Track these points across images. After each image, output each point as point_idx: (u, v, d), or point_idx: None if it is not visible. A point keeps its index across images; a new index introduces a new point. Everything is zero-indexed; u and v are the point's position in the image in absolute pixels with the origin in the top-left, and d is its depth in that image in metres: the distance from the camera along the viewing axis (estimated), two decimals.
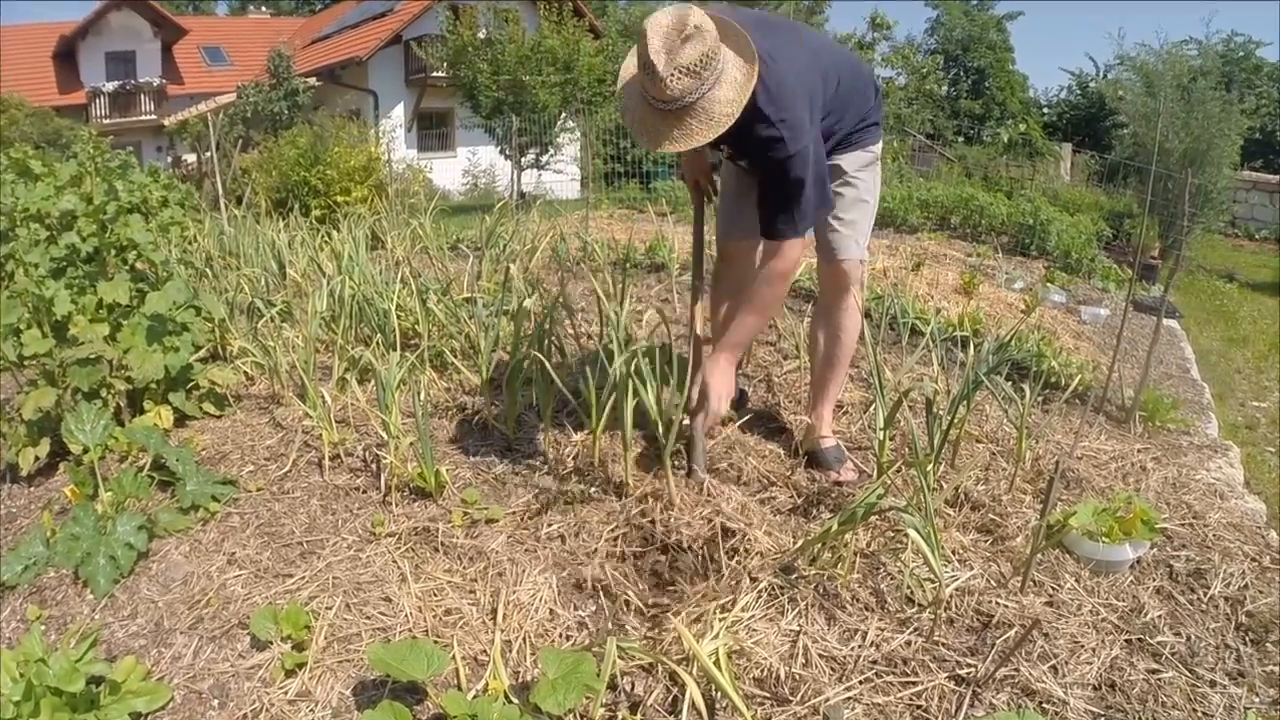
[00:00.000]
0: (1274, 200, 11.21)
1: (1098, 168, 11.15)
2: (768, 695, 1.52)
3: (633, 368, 2.09)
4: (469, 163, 17.61)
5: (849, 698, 1.51)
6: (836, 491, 2.16)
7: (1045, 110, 23.57)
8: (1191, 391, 3.77)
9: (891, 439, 2.21)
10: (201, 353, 2.67)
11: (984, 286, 4.80)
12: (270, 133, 12.33)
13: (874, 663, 1.58)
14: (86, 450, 2.13)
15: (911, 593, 1.76)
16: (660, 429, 2.04)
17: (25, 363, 2.30)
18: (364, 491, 2.22)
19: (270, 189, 7.79)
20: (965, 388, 2.18)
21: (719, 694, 1.47)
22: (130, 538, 1.90)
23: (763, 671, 1.56)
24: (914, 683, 1.53)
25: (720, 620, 1.64)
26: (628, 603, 1.78)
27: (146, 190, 2.86)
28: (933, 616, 1.68)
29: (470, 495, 2.13)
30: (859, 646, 1.62)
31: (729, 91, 1.76)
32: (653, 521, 1.95)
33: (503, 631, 1.68)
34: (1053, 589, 1.80)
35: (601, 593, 1.81)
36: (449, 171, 16.66)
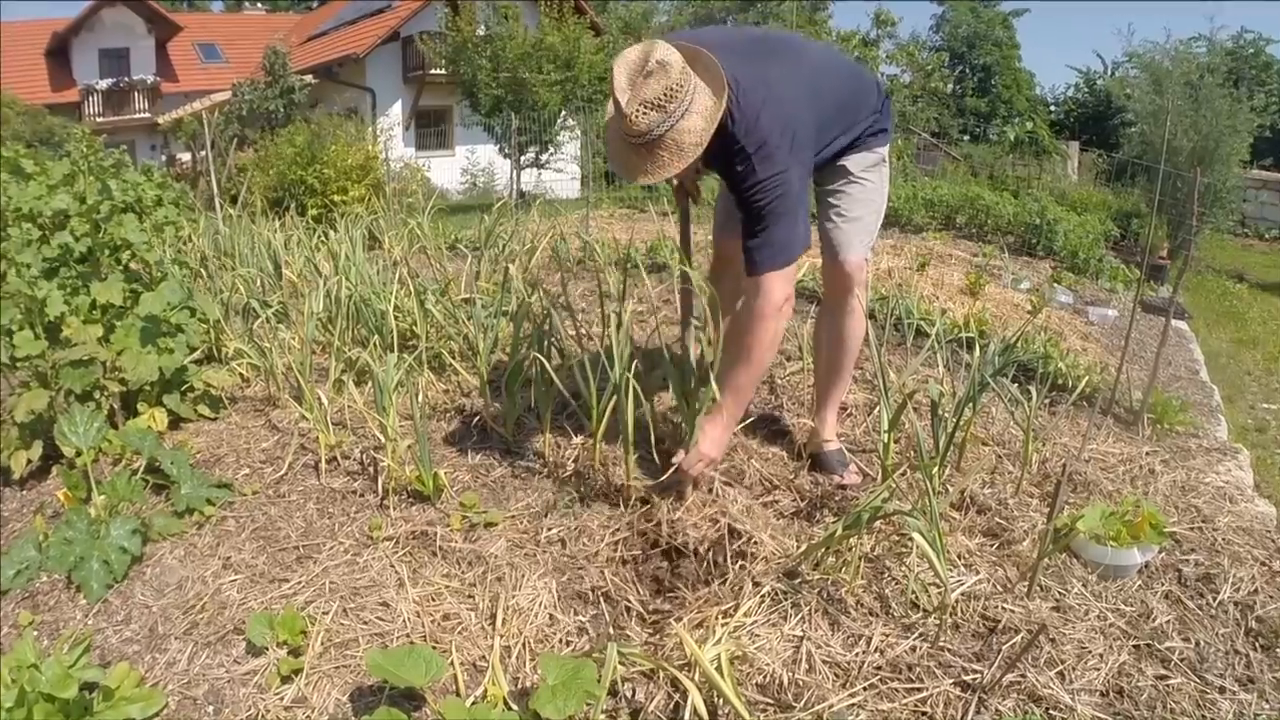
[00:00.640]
0: None
1: (1105, 166, 11.14)
2: (771, 701, 1.50)
3: (633, 371, 2.06)
4: (468, 161, 17.57)
5: (853, 704, 1.49)
6: (840, 495, 2.14)
7: (1052, 108, 23.57)
8: (1200, 394, 3.75)
9: (896, 442, 2.19)
10: (196, 354, 2.64)
11: (990, 287, 4.78)
12: (266, 131, 12.30)
13: (878, 669, 1.56)
14: (79, 453, 2.11)
15: (916, 598, 1.74)
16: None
17: (18, 364, 2.27)
18: (361, 495, 2.20)
19: (266, 188, 7.77)
20: (971, 390, 2.16)
21: (721, 700, 1.45)
22: (124, 542, 1.88)
23: (765, 677, 1.54)
24: (919, 689, 1.52)
25: (723, 625, 1.63)
26: (629, 608, 1.77)
27: (141, 189, 2.83)
28: (938, 622, 1.66)
29: (469, 498, 2.10)
30: (863, 652, 1.60)
31: (697, 121, 1.76)
32: (658, 524, 1.93)
33: (502, 637, 1.66)
34: (1060, 594, 1.78)
35: (602, 598, 1.79)
36: (447, 170, 16.61)
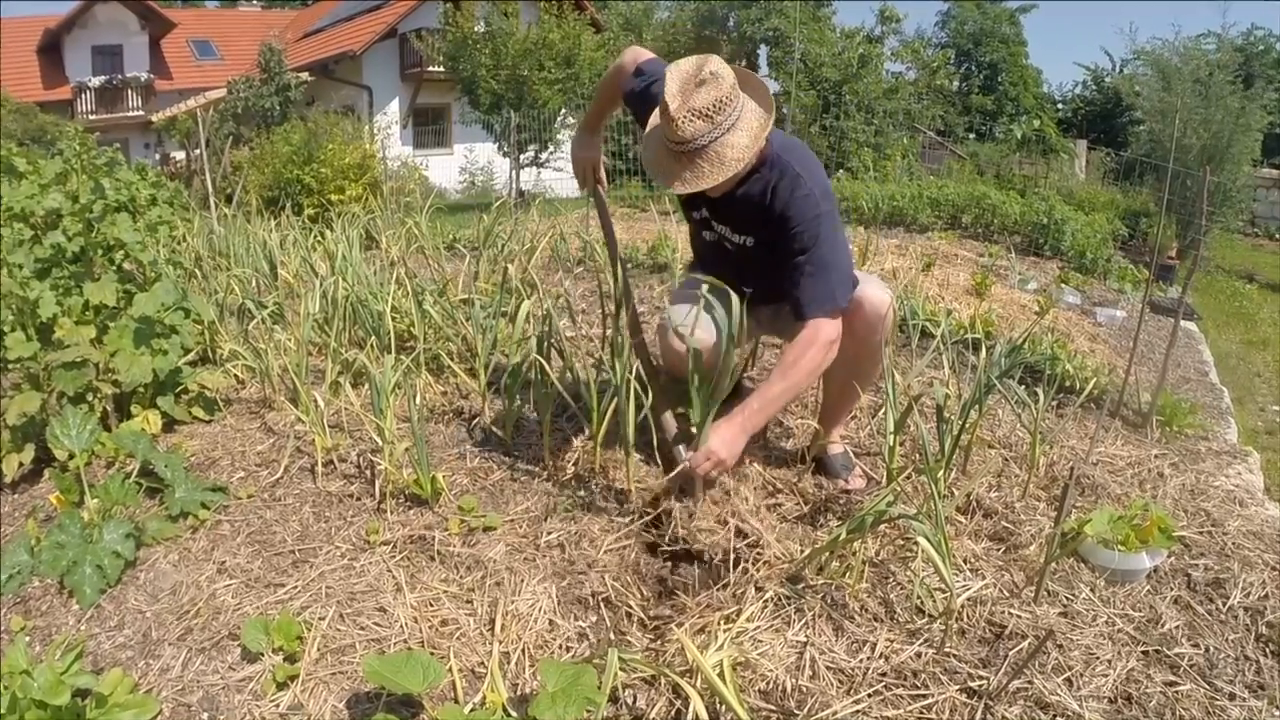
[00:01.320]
0: None
1: (1113, 165, 11.10)
2: (773, 708, 1.48)
3: (634, 373, 2.04)
4: (466, 160, 17.55)
5: (857, 710, 1.47)
6: (844, 498, 2.12)
7: (1059, 106, 23.49)
8: (1210, 395, 3.73)
9: (901, 444, 2.17)
10: (191, 356, 2.61)
11: (996, 288, 4.75)
12: (262, 129, 12.27)
13: (883, 675, 1.54)
14: (72, 456, 2.09)
15: (922, 603, 1.71)
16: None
17: (9, 366, 2.25)
18: (358, 498, 2.17)
19: (262, 187, 7.74)
20: (977, 392, 2.14)
21: (723, 707, 1.43)
22: (117, 546, 1.85)
23: (768, 684, 1.52)
24: (924, 695, 1.49)
25: (725, 631, 1.61)
26: (629, 613, 1.75)
27: (134, 188, 2.80)
28: (944, 627, 1.64)
29: (467, 502, 2.08)
30: (868, 658, 1.58)
31: (742, 138, 1.79)
32: (662, 527, 1.91)
33: (501, 643, 1.64)
34: (1067, 599, 1.76)
35: (602, 603, 1.77)
36: (446, 169, 16.56)
